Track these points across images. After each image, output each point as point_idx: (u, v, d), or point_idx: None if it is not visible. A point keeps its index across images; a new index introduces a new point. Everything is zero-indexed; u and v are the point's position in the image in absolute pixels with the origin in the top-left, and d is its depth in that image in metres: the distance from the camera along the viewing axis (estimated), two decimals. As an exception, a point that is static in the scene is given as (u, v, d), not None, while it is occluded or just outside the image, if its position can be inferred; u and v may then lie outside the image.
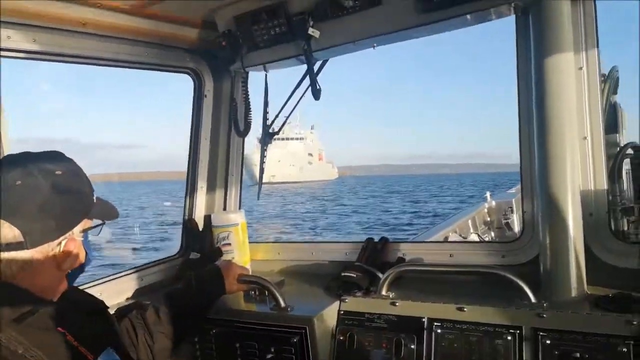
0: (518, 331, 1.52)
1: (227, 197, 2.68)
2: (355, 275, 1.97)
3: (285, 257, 2.46)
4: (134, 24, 2.14)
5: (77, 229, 1.28)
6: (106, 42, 2.13)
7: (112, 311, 2.00)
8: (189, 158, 2.62)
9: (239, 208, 2.69)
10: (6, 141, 1.85)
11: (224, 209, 2.67)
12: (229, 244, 2.39)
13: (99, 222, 1.38)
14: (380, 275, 1.95)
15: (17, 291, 1.16)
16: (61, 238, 1.23)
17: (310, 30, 2.01)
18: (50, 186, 1.19)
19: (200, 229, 2.58)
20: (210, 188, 2.66)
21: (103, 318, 1.46)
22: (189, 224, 2.56)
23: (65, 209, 1.23)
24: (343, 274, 2.00)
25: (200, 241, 2.50)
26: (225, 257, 2.37)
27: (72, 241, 1.26)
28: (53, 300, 1.26)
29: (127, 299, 2.18)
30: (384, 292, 1.85)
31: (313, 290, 2.11)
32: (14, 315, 1.08)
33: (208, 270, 1.93)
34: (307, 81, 2.28)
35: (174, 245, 2.58)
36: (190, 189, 2.61)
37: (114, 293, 2.13)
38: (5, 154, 1.83)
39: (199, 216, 2.62)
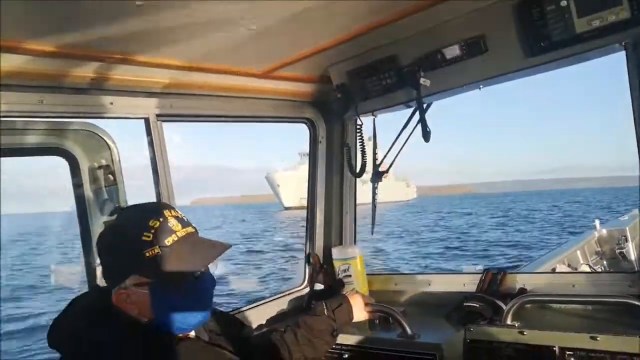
0: (658, 360, 1.53)
1: (343, 232, 2.90)
2: (478, 305, 2.06)
3: (402, 287, 2.60)
4: (264, 85, 2.48)
5: (128, 282, 1.31)
6: (242, 102, 2.48)
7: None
8: (308, 197, 2.90)
9: (354, 242, 2.89)
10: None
11: (340, 243, 2.89)
12: (349, 276, 2.60)
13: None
14: (502, 305, 2.03)
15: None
16: (116, 288, 1.33)
17: (422, 80, 2.20)
18: (103, 240, 1.40)
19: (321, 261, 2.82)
20: (327, 224, 2.90)
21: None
22: (310, 258, 2.81)
23: (110, 264, 1.37)
24: (466, 303, 2.10)
25: (323, 273, 2.73)
26: (346, 288, 2.57)
27: (124, 292, 1.32)
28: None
29: (265, 324, 2.45)
30: (509, 322, 1.93)
31: (433, 320, 2.22)
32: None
33: (337, 299, 2.12)
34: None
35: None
36: (310, 224, 2.88)
37: (254, 319, 2.41)
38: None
39: (318, 250, 2.87)
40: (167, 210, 1.37)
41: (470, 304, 2.10)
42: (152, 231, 1.30)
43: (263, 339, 1.87)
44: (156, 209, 1.37)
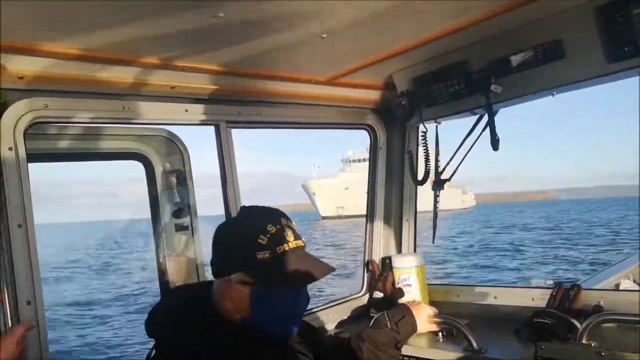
0: None
1: (403, 240, 2.87)
2: (550, 322, 1.97)
3: (465, 299, 2.54)
4: (328, 92, 2.50)
5: (234, 277, 1.33)
6: (306, 108, 2.52)
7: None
8: (367, 204, 2.89)
9: (414, 250, 2.85)
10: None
11: (399, 251, 2.86)
12: (410, 285, 2.56)
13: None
14: (576, 323, 1.93)
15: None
16: (220, 279, 1.37)
17: (493, 87, 2.14)
18: (221, 232, 1.42)
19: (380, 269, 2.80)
20: (387, 231, 2.88)
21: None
22: (370, 265, 2.80)
23: (221, 256, 1.39)
24: (536, 319, 2.02)
25: (382, 282, 2.71)
26: (406, 297, 2.53)
27: (227, 285, 1.34)
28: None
29: (325, 330, 2.46)
30: (584, 341, 1.83)
31: (500, 335, 2.14)
32: None
33: (400, 310, 2.09)
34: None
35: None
36: (369, 232, 2.87)
37: (314, 325, 2.42)
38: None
39: (377, 257, 2.85)
40: (285, 219, 1.40)
41: (541, 320, 2.01)
42: (268, 235, 1.34)
43: (332, 346, 1.87)
44: (276, 215, 1.40)
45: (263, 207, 1.46)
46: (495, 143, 2.28)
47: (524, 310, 2.21)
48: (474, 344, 1.97)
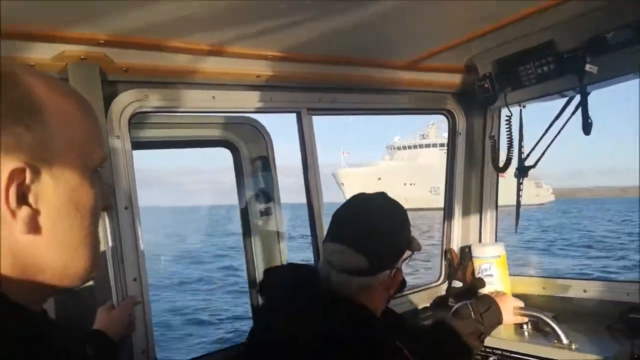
0: None
1: (483, 229, 2.79)
2: (649, 318, 1.85)
3: (551, 292, 2.42)
4: (407, 77, 2.47)
5: (401, 261, 1.52)
6: (384, 94, 2.50)
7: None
8: (446, 191, 2.84)
9: (495, 240, 2.77)
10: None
11: (479, 240, 2.79)
12: (491, 275, 2.49)
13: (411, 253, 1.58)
14: (680, 320, 1.80)
15: (355, 308, 1.45)
16: (392, 268, 1.49)
17: (588, 67, 2.01)
18: (384, 228, 1.51)
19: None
20: (466, 220, 2.81)
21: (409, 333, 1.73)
22: (448, 254, 2.75)
23: (394, 245, 1.52)
24: (632, 315, 1.90)
25: (461, 271, 2.66)
26: (487, 288, 2.47)
27: (399, 271, 1.52)
28: (377, 316, 1.53)
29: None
30: (689, 340, 1.70)
31: (590, 330, 2.03)
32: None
33: (484, 301, 2.03)
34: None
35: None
36: (448, 220, 2.82)
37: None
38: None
39: (455, 246, 2.79)
40: None
41: (638, 316, 1.88)
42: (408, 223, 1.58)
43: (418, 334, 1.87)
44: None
45: (383, 194, 1.61)
46: (587, 127, 2.15)
47: (617, 305, 2.08)
48: (563, 338, 1.88)
